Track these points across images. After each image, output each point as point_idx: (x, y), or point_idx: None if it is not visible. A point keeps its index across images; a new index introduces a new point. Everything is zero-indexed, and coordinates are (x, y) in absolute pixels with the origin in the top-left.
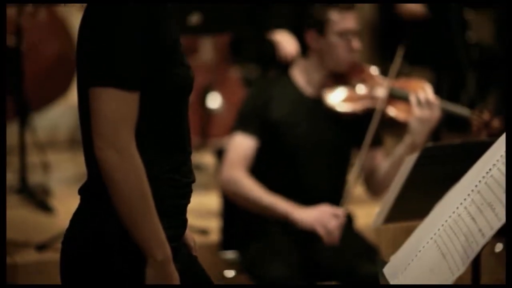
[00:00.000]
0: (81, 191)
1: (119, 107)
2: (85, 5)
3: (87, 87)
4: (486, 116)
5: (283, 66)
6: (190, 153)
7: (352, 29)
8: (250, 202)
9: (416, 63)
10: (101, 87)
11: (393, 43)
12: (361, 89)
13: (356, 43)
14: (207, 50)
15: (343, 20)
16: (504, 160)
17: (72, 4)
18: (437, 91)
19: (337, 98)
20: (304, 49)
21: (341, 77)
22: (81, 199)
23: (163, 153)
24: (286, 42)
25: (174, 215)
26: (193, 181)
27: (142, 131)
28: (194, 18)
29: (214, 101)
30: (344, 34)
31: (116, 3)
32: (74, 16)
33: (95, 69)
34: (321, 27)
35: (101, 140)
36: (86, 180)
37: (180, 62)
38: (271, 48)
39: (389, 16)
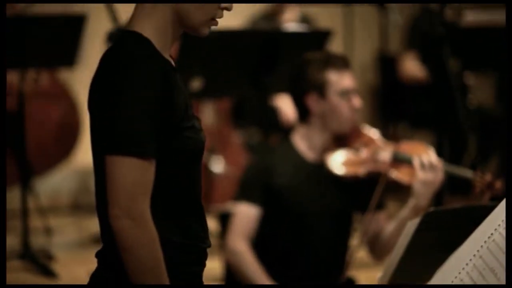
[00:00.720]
0: (98, 255)
1: (137, 175)
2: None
3: (102, 154)
4: (488, 177)
5: (286, 131)
6: (203, 218)
7: (352, 88)
8: (246, 279)
9: (418, 126)
10: (118, 156)
11: (394, 107)
12: (363, 152)
13: (357, 101)
14: (209, 114)
15: (342, 80)
16: (504, 225)
17: (74, 69)
18: (439, 154)
19: (339, 162)
20: (302, 114)
21: (342, 141)
22: (98, 263)
23: (176, 218)
24: (288, 107)
25: (188, 281)
26: (208, 246)
27: (154, 196)
28: (196, 84)
29: (216, 165)
30: (344, 94)
31: (129, 68)
32: (75, 81)
33: (111, 137)
34: (321, 89)
35: (117, 209)
36: (103, 245)
37: (191, 125)
38: (273, 113)
39: (391, 80)
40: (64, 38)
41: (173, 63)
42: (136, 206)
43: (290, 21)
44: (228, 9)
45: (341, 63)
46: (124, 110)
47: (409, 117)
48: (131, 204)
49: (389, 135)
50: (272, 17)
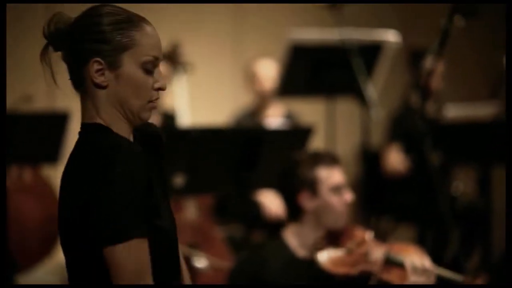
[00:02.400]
0: None
1: (141, 255)
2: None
3: (100, 246)
4: (479, 281)
5: (269, 226)
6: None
7: (342, 183)
8: None
9: (401, 219)
10: (123, 242)
11: (377, 201)
12: (355, 253)
13: (348, 196)
14: (191, 209)
15: (332, 176)
16: None
17: (57, 165)
18: (422, 247)
19: (331, 261)
20: (294, 213)
21: (335, 239)
22: None
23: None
24: (271, 202)
25: None
26: None
27: None
28: (178, 180)
29: (199, 260)
30: (336, 189)
31: (109, 160)
32: (58, 177)
33: (107, 228)
34: (312, 187)
35: None
36: None
37: (161, 213)
38: (257, 208)
39: (373, 174)
40: (48, 136)
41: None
42: (146, 282)
43: (274, 117)
44: (162, 88)
45: (330, 159)
46: (116, 199)
47: (392, 210)
48: (143, 282)
49: (373, 229)
50: (256, 113)
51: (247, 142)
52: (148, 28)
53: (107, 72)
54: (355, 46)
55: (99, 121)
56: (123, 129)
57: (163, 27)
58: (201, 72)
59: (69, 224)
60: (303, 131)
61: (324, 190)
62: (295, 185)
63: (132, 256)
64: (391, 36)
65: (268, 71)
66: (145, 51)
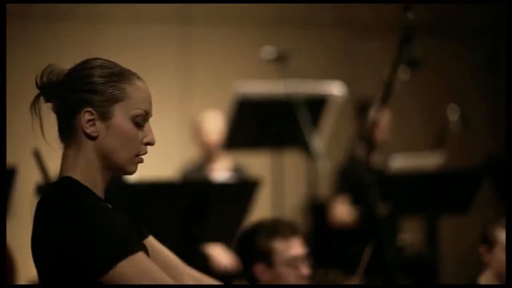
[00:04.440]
0: None
1: (146, 264)
2: None
3: (100, 272)
4: None
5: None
6: None
7: (300, 255)
8: None
9: (348, 271)
10: (118, 263)
11: (325, 252)
12: None
13: (305, 270)
14: None
15: (289, 248)
16: None
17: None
18: None
19: None
20: (250, 282)
21: None
22: None
23: None
24: (219, 255)
25: None
26: None
27: None
28: None
29: None
30: (292, 262)
31: (77, 204)
32: (8, 233)
33: (106, 250)
34: (267, 259)
35: None
36: None
37: None
38: (205, 260)
39: (321, 226)
40: None
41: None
42: (164, 280)
43: (222, 170)
44: (151, 143)
45: (289, 230)
46: (100, 228)
47: (340, 262)
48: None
49: (321, 281)
50: (203, 166)
51: (195, 196)
52: (139, 83)
53: (98, 123)
54: (301, 99)
55: (71, 174)
56: (97, 183)
57: None
58: None
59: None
60: (250, 184)
61: (279, 263)
62: (251, 255)
63: (139, 266)
64: (336, 88)
65: (214, 124)
66: (136, 104)
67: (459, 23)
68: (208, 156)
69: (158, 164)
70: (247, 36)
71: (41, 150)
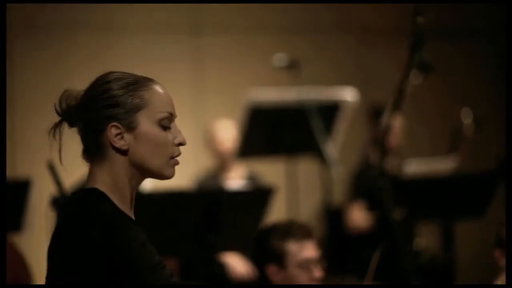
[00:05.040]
0: None
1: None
2: None
3: None
4: None
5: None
6: None
7: (313, 258)
8: None
9: (365, 276)
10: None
11: (341, 258)
12: None
13: (318, 272)
14: None
15: (302, 250)
16: None
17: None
18: None
19: None
20: (264, 282)
21: None
22: None
23: None
24: (236, 263)
25: None
26: None
27: None
28: None
29: None
30: (305, 264)
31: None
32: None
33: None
34: (280, 260)
35: None
36: None
37: None
38: (221, 269)
39: (337, 232)
40: (10, 204)
41: (133, 216)
42: None
43: (236, 179)
44: (183, 143)
45: (302, 233)
46: (130, 250)
47: (357, 267)
48: None
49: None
50: (217, 175)
51: (209, 204)
52: (156, 87)
53: (126, 135)
54: (314, 106)
55: (99, 187)
56: (124, 196)
57: None
58: None
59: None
60: (265, 192)
61: (291, 265)
62: (264, 257)
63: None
64: (349, 94)
65: (228, 132)
66: (158, 108)
67: (470, 26)
68: (222, 165)
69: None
70: (259, 44)
71: (55, 162)
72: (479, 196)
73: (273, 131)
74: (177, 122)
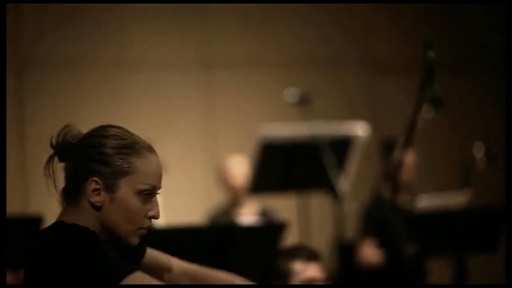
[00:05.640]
0: None
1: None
2: None
3: None
4: None
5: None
6: None
7: (317, 278)
8: None
9: None
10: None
11: None
12: None
13: None
14: None
15: (307, 270)
16: None
17: None
18: None
19: None
20: None
21: None
22: None
23: None
24: None
25: None
26: None
27: None
28: None
29: None
30: (308, 283)
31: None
32: None
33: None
34: (285, 280)
35: None
36: None
37: None
38: None
39: (349, 267)
40: (21, 240)
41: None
42: None
43: (248, 215)
44: (155, 217)
45: (309, 254)
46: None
47: None
48: None
49: None
50: (230, 211)
51: (221, 239)
52: (150, 156)
53: (103, 193)
54: (325, 140)
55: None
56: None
57: (134, 125)
58: (173, 171)
59: None
60: (277, 227)
61: (295, 283)
62: (269, 274)
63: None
64: (360, 129)
65: (240, 168)
66: (144, 179)
67: (481, 59)
68: (234, 201)
69: (184, 209)
70: (269, 79)
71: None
72: (491, 231)
73: (285, 166)
74: (189, 157)
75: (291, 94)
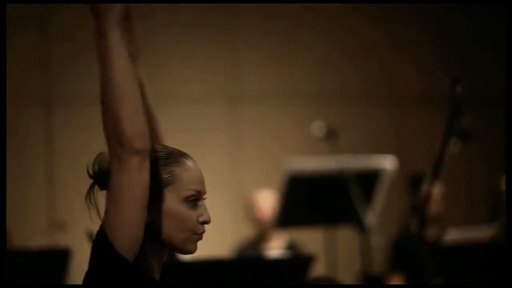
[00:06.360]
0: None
1: None
2: None
3: None
4: None
5: None
6: None
7: None
8: None
9: None
10: None
11: None
12: None
13: None
14: None
15: None
16: None
17: None
18: None
19: None
20: None
21: None
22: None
23: None
24: None
25: None
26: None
27: None
28: None
29: None
30: None
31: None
32: None
33: None
34: None
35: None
36: None
37: None
38: None
39: None
40: (49, 273)
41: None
42: None
43: (276, 248)
44: (207, 222)
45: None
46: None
47: None
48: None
49: None
50: (257, 244)
51: (248, 272)
52: (188, 163)
53: (150, 208)
54: (353, 174)
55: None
56: (152, 265)
57: None
58: None
59: None
60: (304, 260)
61: None
62: None
63: None
64: (387, 162)
65: (267, 202)
66: (187, 185)
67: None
68: (262, 235)
69: (212, 243)
70: (296, 113)
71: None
72: None
73: (312, 200)
74: (216, 191)
75: (318, 128)
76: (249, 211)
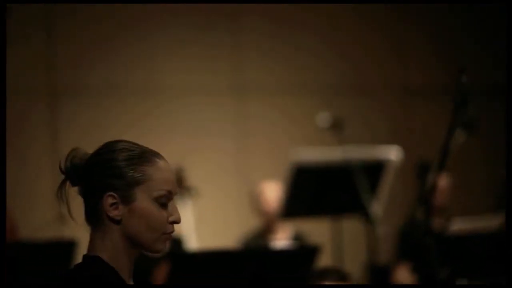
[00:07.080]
0: None
1: None
2: None
3: None
4: None
5: None
6: None
7: None
8: None
9: None
10: None
11: None
12: None
13: None
14: None
15: None
16: None
17: None
18: None
19: None
20: None
21: None
22: None
23: None
24: None
25: None
26: None
27: None
28: None
29: None
30: None
31: None
32: None
33: None
34: None
35: None
36: None
37: None
38: None
39: None
40: (54, 264)
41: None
42: None
43: (282, 239)
44: (177, 222)
45: (339, 276)
46: None
47: None
48: None
49: None
50: (263, 235)
51: (255, 263)
52: (160, 163)
53: (121, 206)
54: (358, 165)
55: (100, 254)
56: (124, 264)
57: (166, 152)
58: (206, 196)
59: None
60: (310, 251)
61: None
62: None
63: None
64: (393, 153)
65: (273, 193)
66: (158, 185)
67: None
68: (268, 226)
69: (218, 234)
70: (302, 104)
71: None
72: None
73: (318, 191)
74: (222, 182)
75: (323, 119)
76: (255, 202)
